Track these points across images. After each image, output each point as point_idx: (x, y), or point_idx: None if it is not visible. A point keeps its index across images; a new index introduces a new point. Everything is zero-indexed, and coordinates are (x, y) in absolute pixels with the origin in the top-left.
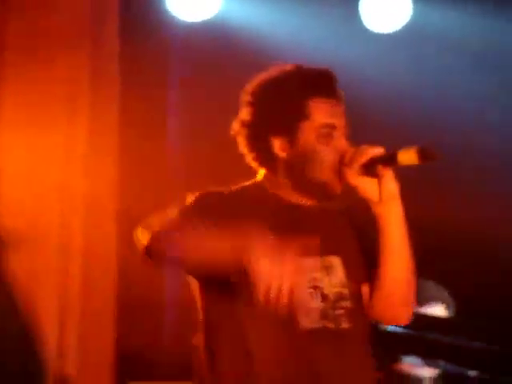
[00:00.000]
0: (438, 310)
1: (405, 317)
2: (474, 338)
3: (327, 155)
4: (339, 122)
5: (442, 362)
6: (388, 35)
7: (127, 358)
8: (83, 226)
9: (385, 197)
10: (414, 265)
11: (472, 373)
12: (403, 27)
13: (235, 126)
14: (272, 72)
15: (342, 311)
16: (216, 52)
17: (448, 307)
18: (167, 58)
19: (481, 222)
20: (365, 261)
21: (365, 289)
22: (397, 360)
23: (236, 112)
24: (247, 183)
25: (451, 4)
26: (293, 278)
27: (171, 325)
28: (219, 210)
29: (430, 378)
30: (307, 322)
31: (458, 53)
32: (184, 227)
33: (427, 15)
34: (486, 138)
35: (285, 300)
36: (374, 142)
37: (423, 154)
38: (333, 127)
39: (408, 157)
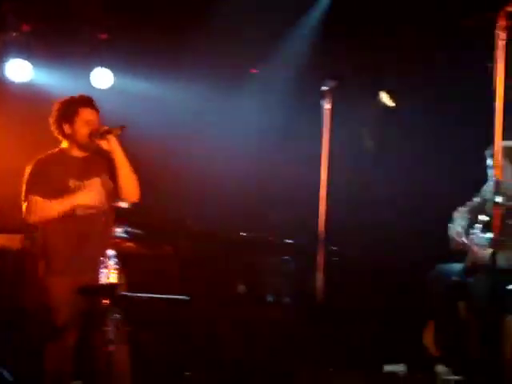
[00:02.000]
0: (123, 205)
1: (135, 196)
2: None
3: (86, 131)
4: (94, 118)
5: (126, 227)
6: (104, 90)
7: None
8: None
9: (112, 147)
10: (132, 169)
11: (138, 231)
12: (111, 86)
13: (51, 124)
14: (65, 98)
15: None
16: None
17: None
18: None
19: None
20: (112, 175)
21: (113, 185)
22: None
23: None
24: (58, 148)
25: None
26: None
27: None
28: (46, 167)
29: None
30: (80, 212)
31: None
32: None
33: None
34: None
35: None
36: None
37: (121, 128)
38: (90, 120)
39: (115, 130)
